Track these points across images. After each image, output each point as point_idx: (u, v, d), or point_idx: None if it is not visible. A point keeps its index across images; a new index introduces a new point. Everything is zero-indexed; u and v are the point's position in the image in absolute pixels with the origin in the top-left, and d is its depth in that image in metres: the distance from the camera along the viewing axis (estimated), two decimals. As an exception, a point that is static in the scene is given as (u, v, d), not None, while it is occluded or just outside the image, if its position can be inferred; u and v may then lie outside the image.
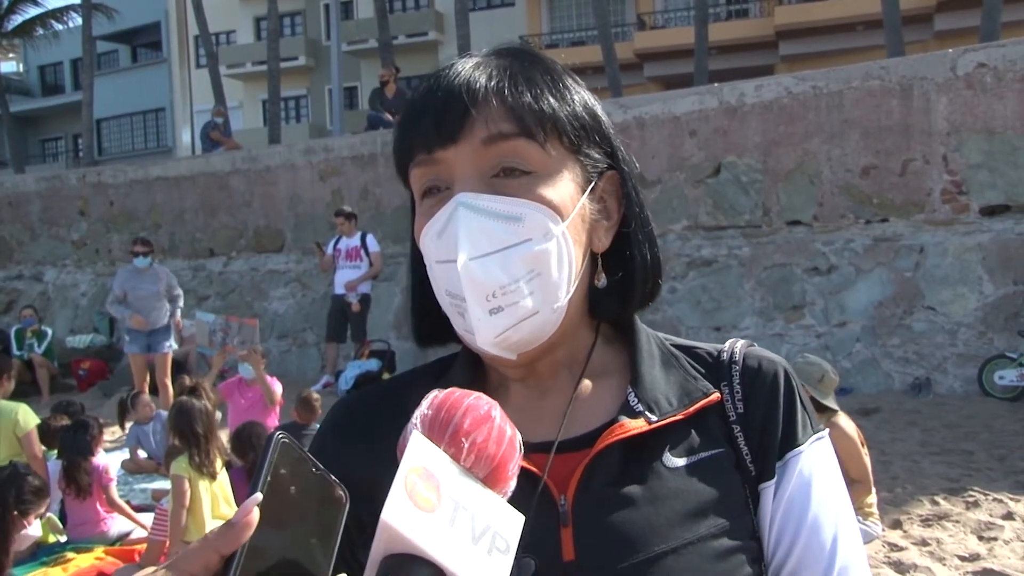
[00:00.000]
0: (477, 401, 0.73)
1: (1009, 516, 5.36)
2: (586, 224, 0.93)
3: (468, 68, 0.90)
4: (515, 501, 0.85)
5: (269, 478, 0.64)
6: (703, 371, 0.98)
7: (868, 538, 5.08)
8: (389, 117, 13.19)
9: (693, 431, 0.93)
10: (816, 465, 0.94)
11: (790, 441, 0.94)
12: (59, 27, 29.97)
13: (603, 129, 0.95)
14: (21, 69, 44.63)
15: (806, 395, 0.98)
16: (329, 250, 10.49)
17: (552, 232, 0.87)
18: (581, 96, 0.94)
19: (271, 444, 0.66)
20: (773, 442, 0.94)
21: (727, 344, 1.01)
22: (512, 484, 0.72)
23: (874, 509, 5.19)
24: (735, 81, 10.51)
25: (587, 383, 0.97)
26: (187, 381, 6.24)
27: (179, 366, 10.75)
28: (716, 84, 10.80)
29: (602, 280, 0.95)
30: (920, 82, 9.21)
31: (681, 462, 0.91)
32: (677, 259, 10.12)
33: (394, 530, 0.63)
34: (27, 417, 5.53)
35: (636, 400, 0.92)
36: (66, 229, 14.87)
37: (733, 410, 0.95)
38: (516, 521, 0.70)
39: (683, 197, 10.23)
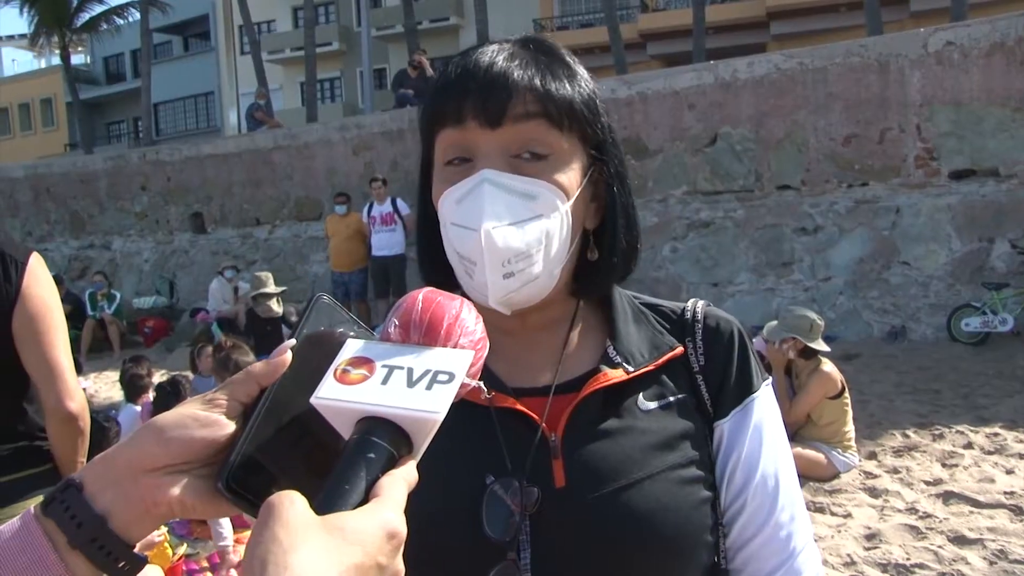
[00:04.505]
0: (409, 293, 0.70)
1: (969, 446, 5.44)
2: (583, 205, 0.96)
3: (503, 58, 0.92)
4: (515, 439, 0.92)
5: (305, 330, 0.64)
6: (668, 327, 1.04)
7: (847, 468, 5.17)
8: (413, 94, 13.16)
9: (662, 379, 0.99)
10: (766, 407, 1.01)
11: (747, 388, 1.01)
12: (120, 22, 30.15)
13: (600, 117, 0.97)
14: (88, 61, 44.65)
15: (754, 349, 1.04)
16: (364, 218, 10.66)
17: (560, 209, 0.90)
18: (587, 87, 0.96)
19: (311, 302, 0.65)
20: (729, 389, 1.00)
21: (689, 304, 1.06)
22: (458, 332, 0.66)
23: (852, 443, 5.27)
24: (730, 59, 10.39)
25: (572, 337, 1.02)
26: (227, 342, 5.85)
27: (230, 324, 10.69)
28: (712, 61, 10.70)
29: (595, 254, 0.98)
30: (896, 58, 9.11)
31: (652, 405, 0.97)
32: (678, 221, 10.12)
33: (322, 404, 0.60)
34: None
35: (615, 353, 0.98)
36: (130, 202, 14.98)
37: (696, 363, 1.01)
38: (462, 357, 0.64)
39: (683, 165, 10.20)
